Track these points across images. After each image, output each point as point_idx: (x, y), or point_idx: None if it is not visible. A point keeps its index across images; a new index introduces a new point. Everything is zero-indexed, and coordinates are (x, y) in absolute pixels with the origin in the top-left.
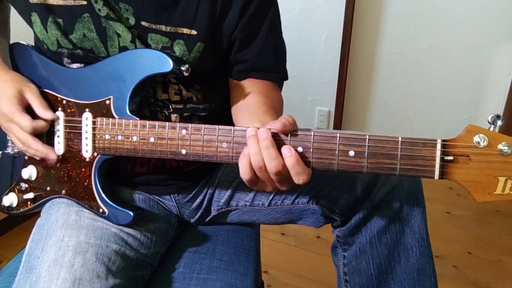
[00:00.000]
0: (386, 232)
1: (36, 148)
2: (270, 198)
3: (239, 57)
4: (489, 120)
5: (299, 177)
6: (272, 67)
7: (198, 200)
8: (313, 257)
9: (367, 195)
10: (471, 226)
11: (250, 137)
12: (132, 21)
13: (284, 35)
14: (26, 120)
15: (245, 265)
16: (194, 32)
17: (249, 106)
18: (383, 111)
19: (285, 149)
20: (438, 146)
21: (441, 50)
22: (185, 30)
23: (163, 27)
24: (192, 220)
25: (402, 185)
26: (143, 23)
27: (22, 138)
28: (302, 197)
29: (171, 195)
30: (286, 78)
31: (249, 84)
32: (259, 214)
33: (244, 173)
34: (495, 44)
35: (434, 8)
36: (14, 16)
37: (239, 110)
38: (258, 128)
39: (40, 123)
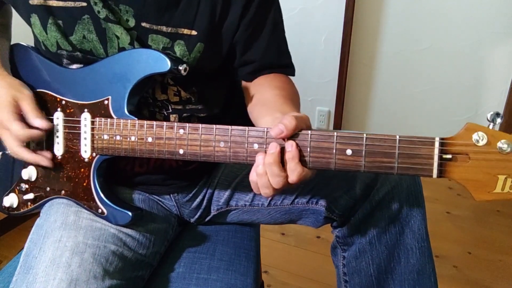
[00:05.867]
0: (386, 232)
1: (25, 158)
2: (270, 198)
3: (245, 59)
4: (488, 118)
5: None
6: (279, 63)
7: (197, 200)
8: (313, 257)
9: (366, 196)
10: (471, 226)
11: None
12: (132, 22)
13: None
14: (18, 128)
15: (245, 265)
16: (194, 32)
17: (266, 100)
18: (383, 111)
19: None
20: (436, 144)
21: (441, 50)
22: (185, 31)
23: (164, 28)
24: (192, 220)
25: (402, 185)
26: (143, 24)
27: (12, 147)
28: (301, 197)
29: (171, 195)
30: (293, 73)
31: (261, 80)
32: (258, 214)
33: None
34: (495, 44)
35: (434, 8)
36: (14, 16)
37: (255, 106)
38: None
39: (33, 132)
